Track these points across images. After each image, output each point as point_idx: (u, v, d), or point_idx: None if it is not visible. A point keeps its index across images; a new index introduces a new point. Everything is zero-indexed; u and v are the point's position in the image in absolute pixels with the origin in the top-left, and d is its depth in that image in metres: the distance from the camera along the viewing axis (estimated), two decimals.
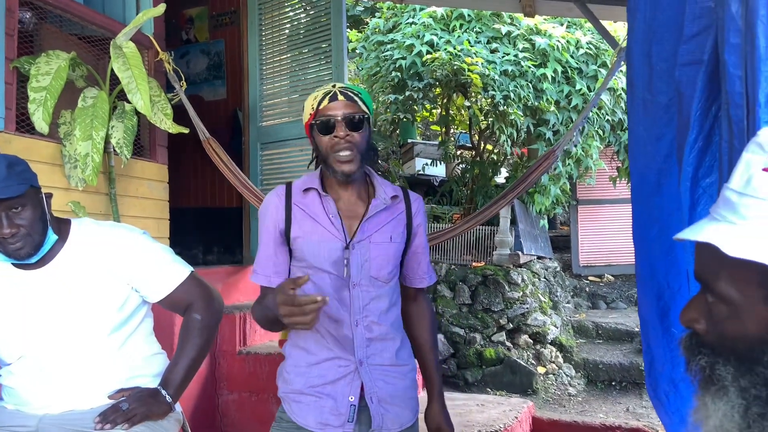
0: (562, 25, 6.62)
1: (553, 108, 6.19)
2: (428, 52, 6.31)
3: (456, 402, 3.26)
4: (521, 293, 5.63)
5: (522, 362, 5.30)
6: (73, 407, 1.55)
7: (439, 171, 7.76)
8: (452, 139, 7.63)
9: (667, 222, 1.32)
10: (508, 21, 6.56)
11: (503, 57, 6.20)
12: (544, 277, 6.38)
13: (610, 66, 5.13)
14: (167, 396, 1.57)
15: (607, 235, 7.74)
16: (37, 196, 1.51)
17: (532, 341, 5.58)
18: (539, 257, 6.62)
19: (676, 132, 1.25)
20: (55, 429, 1.53)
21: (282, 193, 1.45)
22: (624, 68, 1.55)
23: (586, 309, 7.08)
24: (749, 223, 0.64)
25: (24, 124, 2.49)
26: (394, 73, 6.50)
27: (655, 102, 1.34)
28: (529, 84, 6.13)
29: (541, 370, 5.39)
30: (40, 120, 2.39)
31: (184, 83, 3.15)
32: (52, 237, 1.54)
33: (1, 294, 1.55)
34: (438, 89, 6.67)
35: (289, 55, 3.80)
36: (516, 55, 6.19)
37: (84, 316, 1.55)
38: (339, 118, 1.36)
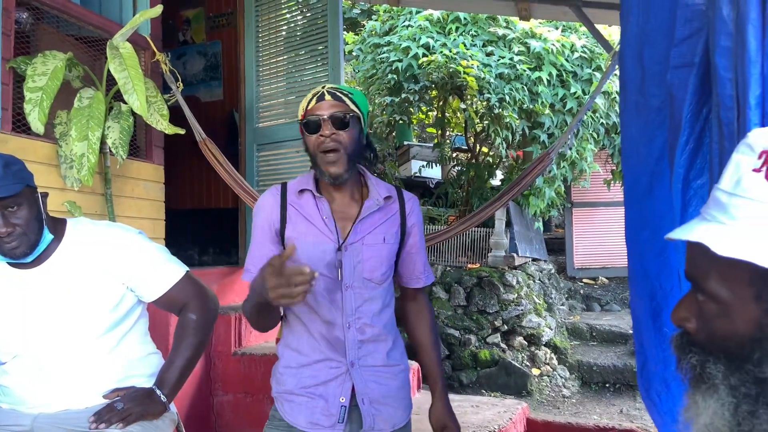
0: (557, 28, 6.65)
1: (548, 111, 6.22)
2: (424, 55, 6.33)
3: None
4: (516, 295, 5.65)
5: (516, 364, 5.31)
6: (68, 406, 1.55)
7: (434, 173, 7.78)
8: (448, 141, 7.64)
9: (659, 223, 1.32)
10: (504, 24, 6.59)
11: (499, 60, 6.23)
12: (539, 279, 6.39)
13: (604, 69, 5.16)
14: (162, 396, 1.57)
15: (602, 238, 7.75)
16: (33, 196, 1.51)
17: (526, 343, 5.60)
18: (534, 259, 6.64)
19: (667, 134, 1.25)
20: (50, 428, 1.53)
21: (277, 193, 1.46)
22: (618, 71, 1.56)
23: (581, 311, 7.10)
24: (739, 223, 0.65)
25: (20, 125, 2.48)
26: (390, 76, 6.52)
27: (647, 104, 1.35)
28: (525, 87, 6.16)
29: (535, 371, 5.40)
30: (36, 120, 2.39)
31: (181, 84, 3.15)
32: (47, 236, 1.54)
33: None
34: (434, 92, 6.69)
35: (285, 57, 3.80)
36: (511, 59, 6.22)
37: (79, 316, 1.55)
38: (325, 117, 1.37)
